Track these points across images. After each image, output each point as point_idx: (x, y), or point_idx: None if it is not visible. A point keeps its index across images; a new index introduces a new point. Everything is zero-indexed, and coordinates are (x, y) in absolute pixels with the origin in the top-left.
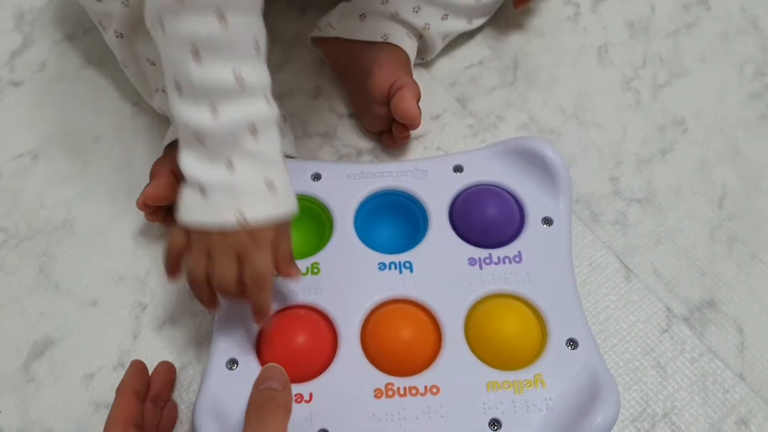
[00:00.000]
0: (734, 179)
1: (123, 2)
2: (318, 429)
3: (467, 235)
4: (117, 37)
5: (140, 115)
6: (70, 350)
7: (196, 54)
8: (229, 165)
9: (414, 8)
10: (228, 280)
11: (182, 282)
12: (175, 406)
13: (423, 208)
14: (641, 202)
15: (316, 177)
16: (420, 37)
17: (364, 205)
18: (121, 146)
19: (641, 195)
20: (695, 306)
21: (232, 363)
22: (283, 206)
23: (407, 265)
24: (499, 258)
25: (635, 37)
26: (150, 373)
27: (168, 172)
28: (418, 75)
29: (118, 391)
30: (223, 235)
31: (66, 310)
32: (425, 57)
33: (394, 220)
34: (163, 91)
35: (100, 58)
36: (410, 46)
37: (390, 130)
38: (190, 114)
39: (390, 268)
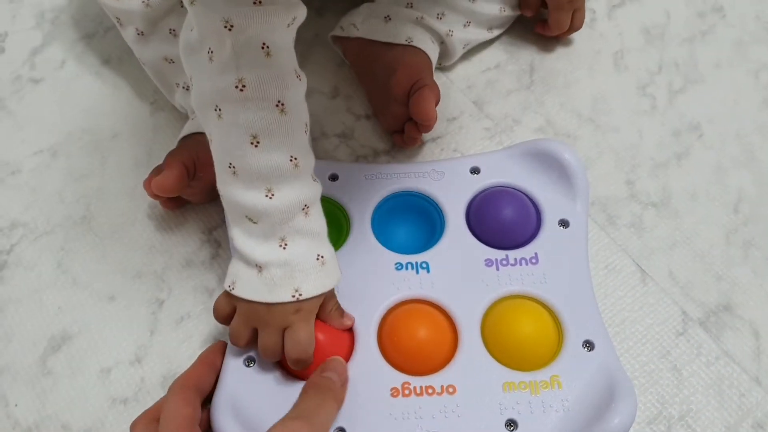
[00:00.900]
0: (750, 184)
1: (143, 1)
2: (335, 427)
3: (484, 236)
4: (137, 34)
5: (158, 113)
6: (87, 345)
7: (255, 140)
8: (283, 243)
9: (438, 14)
10: (272, 349)
11: (198, 279)
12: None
13: (440, 209)
14: (657, 206)
15: (334, 177)
16: (441, 42)
17: (382, 206)
18: (139, 143)
19: (657, 199)
20: (711, 310)
21: (250, 361)
22: (332, 277)
23: (424, 265)
24: (515, 259)
25: (651, 44)
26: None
27: (180, 165)
28: (436, 78)
29: (179, 386)
30: (268, 307)
31: (83, 304)
32: (444, 63)
33: (411, 221)
34: (184, 87)
35: (119, 56)
36: (433, 51)
37: (402, 131)
38: (245, 195)
39: (407, 268)
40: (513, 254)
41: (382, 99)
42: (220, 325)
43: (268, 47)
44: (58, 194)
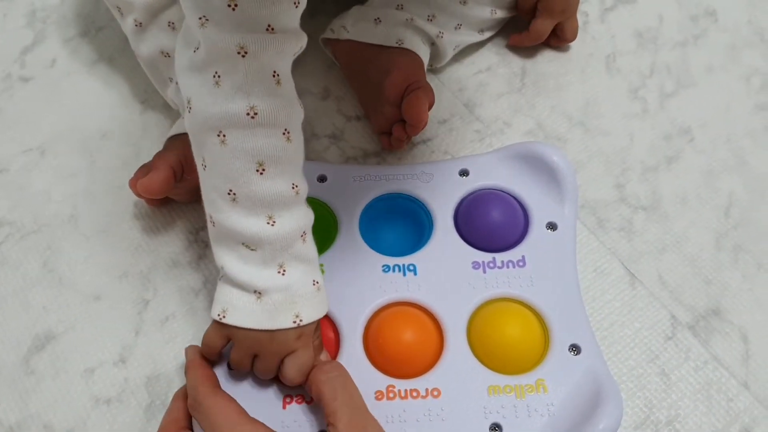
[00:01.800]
0: (740, 188)
1: None
2: (319, 430)
3: (472, 238)
4: (136, 25)
5: (148, 112)
6: (71, 344)
7: (261, 168)
8: (282, 269)
9: (429, 17)
10: (272, 373)
11: (184, 280)
12: None
13: (428, 212)
14: (647, 210)
15: (322, 179)
16: (432, 44)
17: (370, 208)
18: (128, 143)
19: (647, 202)
20: (700, 314)
21: None
22: (325, 303)
23: (411, 267)
24: (503, 262)
25: (643, 47)
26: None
27: (168, 168)
28: (428, 80)
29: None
30: (271, 335)
31: (69, 304)
32: (435, 64)
33: (399, 223)
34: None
35: (110, 56)
36: (424, 52)
37: (390, 133)
38: (244, 222)
39: (394, 271)
40: (500, 257)
41: (374, 100)
42: (205, 327)
43: (278, 75)
44: (45, 193)
